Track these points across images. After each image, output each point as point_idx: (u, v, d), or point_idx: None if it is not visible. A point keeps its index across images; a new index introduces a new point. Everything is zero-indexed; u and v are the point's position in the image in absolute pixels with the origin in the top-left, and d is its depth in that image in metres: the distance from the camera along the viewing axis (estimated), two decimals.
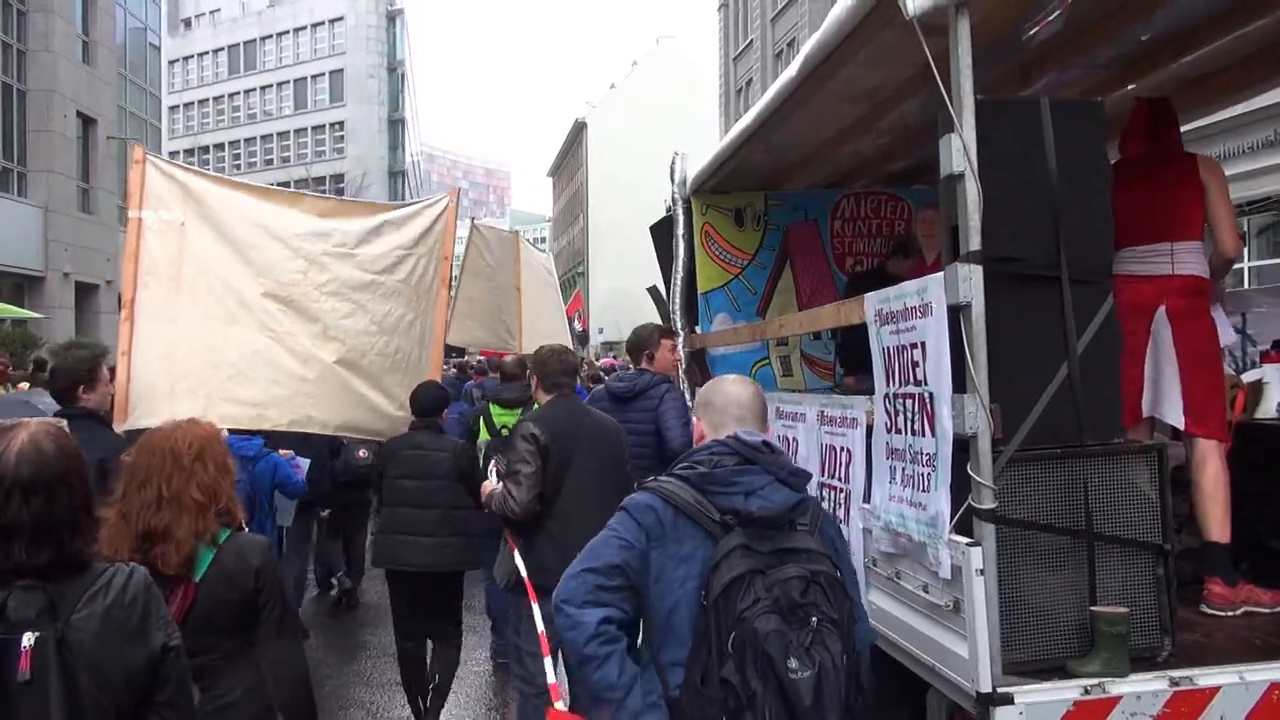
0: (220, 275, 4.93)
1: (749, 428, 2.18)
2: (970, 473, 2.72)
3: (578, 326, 22.15)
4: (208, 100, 58.72)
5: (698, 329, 6.56)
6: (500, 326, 11.21)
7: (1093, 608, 2.77)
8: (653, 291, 7.64)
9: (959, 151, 2.75)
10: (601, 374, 16.96)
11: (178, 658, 1.93)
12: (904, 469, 3.12)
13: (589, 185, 57.40)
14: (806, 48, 3.86)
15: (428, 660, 5.27)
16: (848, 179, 6.56)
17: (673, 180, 6.68)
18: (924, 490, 2.95)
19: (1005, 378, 2.79)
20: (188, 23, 61.10)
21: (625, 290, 48.56)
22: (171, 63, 58.68)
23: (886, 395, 3.25)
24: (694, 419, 2.33)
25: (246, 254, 4.98)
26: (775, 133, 4.97)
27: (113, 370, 4.72)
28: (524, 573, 4.04)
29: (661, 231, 7.37)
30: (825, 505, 3.73)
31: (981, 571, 2.64)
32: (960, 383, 2.77)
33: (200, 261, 4.90)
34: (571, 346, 12.68)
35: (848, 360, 5.88)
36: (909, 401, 3.07)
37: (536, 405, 5.89)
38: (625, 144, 53.42)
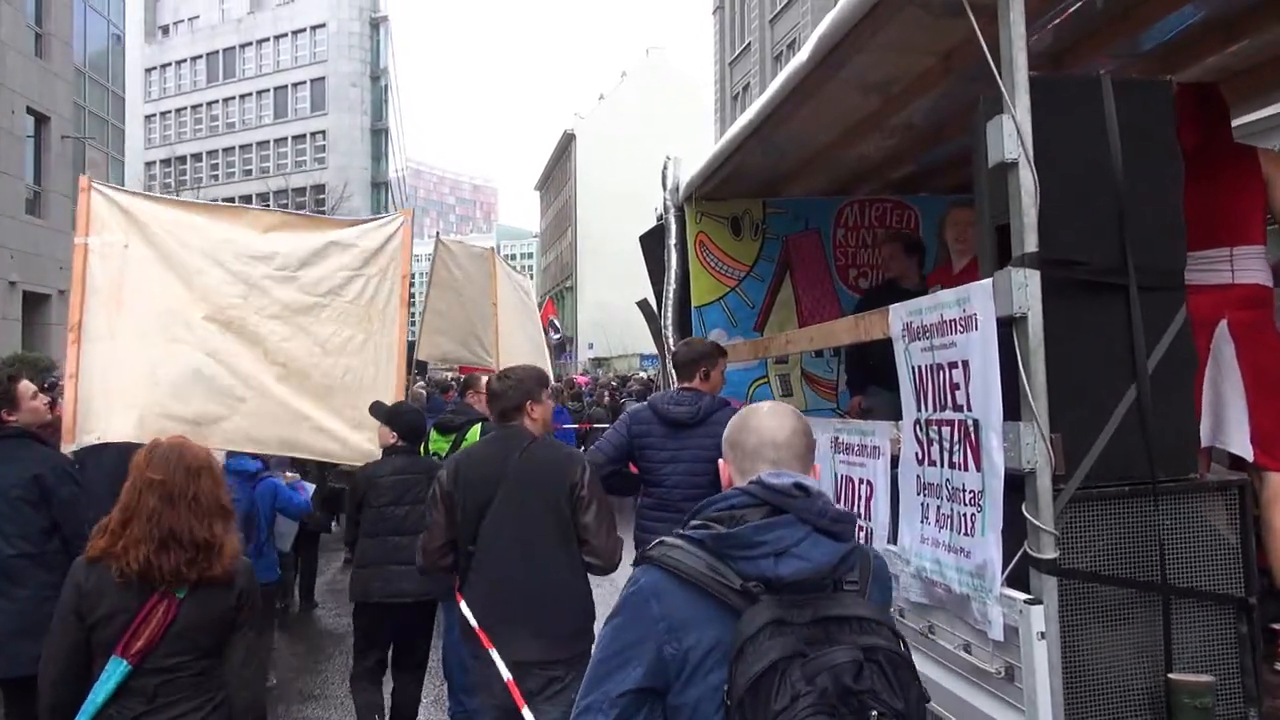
0: (161, 295, 4.89)
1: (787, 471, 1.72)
2: (1026, 515, 2.30)
3: (553, 334, 21.86)
4: (185, 109, 57.25)
5: None
6: (474, 341, 10.90)
7: (1170, 675, 2.34)
8: (643, 306, 7.20)
9: (1011, 136, 2.34)
10: (585, 393, 16.56)
11: None
12: (939, 507, 2.70)
13: (577, 198, 56.56)
14: (820, 28, 3.46)
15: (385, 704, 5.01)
16: (851, 185, 6.17)
17: (664, 187, 6.28)
18: (966, 533, 2.52)
19: (1062, 402, 2.38)
20: (165, 30, 59.59)
21: (615, 305, 48.01)
22: (148, 70, 57.66)
23: (917, 422, 2.82)
24: (720, 461, 1.86)
25: (189, 279, 4.94)
26: (779, 130, 4.58)
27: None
28: (472, 621, 3.54)
29: (652, 242, 6.95)
30: None
31: (1043, 635, 2.22)
32: (1013, 409, 2.35)
33: (141, 281, 4.87)
34: (550, 364, 12.32)
35: (854, 378, 5.45)
36: (946, 429, 2.64)
37: (478, 429, 5.44)
38: (614, 156, 52.54)
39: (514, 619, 3.45)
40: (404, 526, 4.70)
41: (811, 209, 6.19)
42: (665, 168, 6.33)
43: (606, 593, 3.31)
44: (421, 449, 5.72)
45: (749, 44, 32.05)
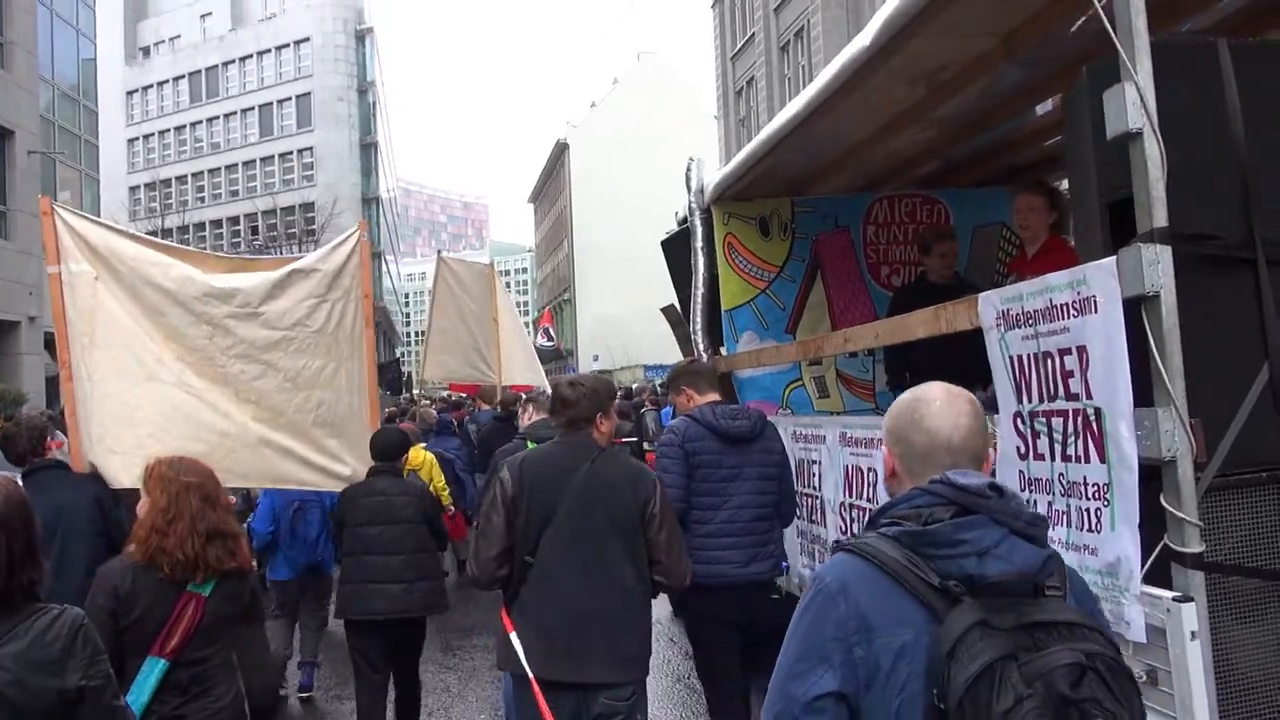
0: (135, 333, 4.76)
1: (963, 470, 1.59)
2: (1167, 506, 2.16)
3: (544, 342, 21.80)
4: (168, 131, 55.85)
5: (723, 350, 5.98)
6: (476, 358, 10.85)
7: None
8: (669, 311, 7.05)
9: (1134, 104, 2.20)
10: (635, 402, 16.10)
11: (99, 696, 2.05)
12: (1051, 503, 2.55)
13: (573, 208, 55.21)
14: (884, 11, 3.34)
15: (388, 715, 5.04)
16: (880, 181, 6.05)
17: (689, 189, 6.14)
18: (1091, 530, 2.37)
19: (1193, 386, 2.23)
20: (146, 51, 58.35)
21: (616, 316, 47.58)
22: (129, 93, 56.63)
23: (1018, 414, 2.68)
24: (884, 449, 1.72)
25: (154, 318, 4.82)
26: (821, 122, 4.45)
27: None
28: (525, 664, 3.21)
29: (675, 246, 6.80)
30: None
31: (1195, 634, 2.06)
32: (1145, 394, 2.21)
33: (113, 319, 4.73)
34: (545, 377, 12.20)
35: (896, 379, 5.28)
36: (1059, 420, 2.50)
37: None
38: (610, 163, 51.52)
39: (583, 637, 3.23)
40: (377, 546, 4.76)
41: (841, 207, 6.06)
42: (689, 170, 6.19)
43: None
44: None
45: (752, 35, 30.49)
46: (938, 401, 1.64)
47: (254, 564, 3.09)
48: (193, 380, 4.85)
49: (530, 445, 5.14)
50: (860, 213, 6.08)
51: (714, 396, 4.37)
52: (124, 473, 4.36)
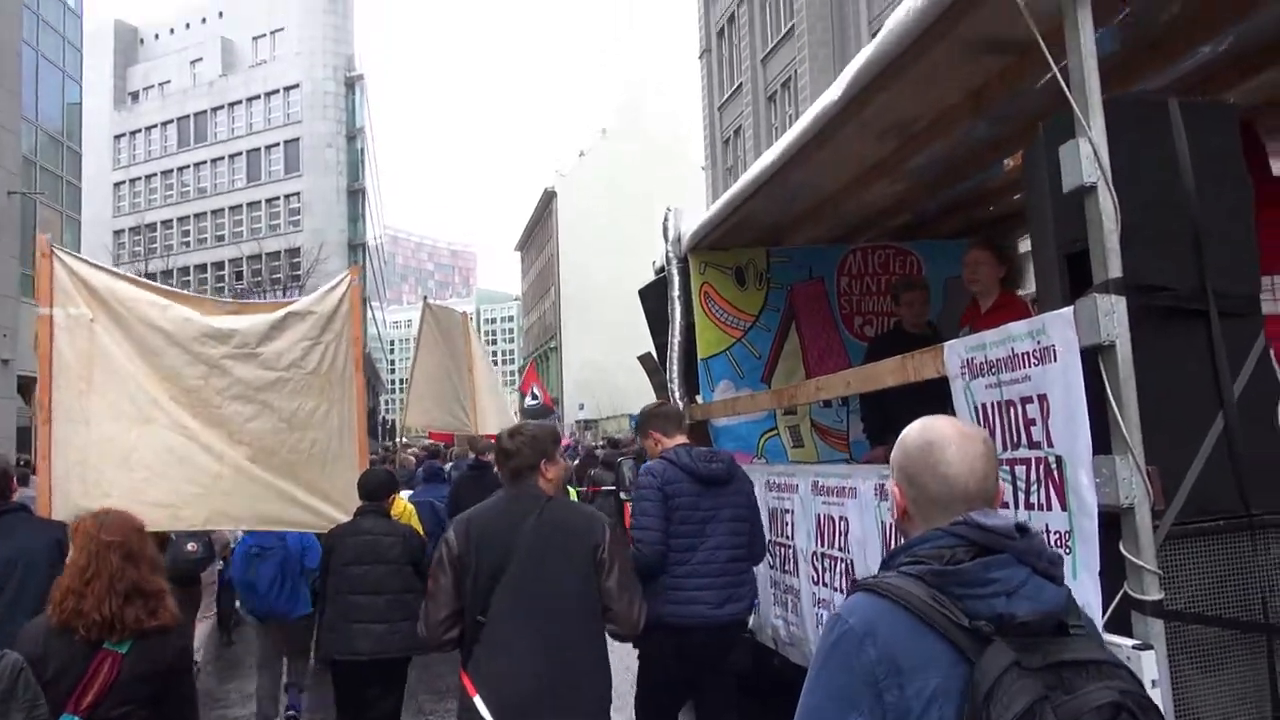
0: (131, 375, 4.81)
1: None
2: (1126, 554, 2.17)
3: (530, 401, 21.67)
4: (155, 175, 55.99)
5: (699, 399, 6.00)
6: (456, 406, 10.88)
7: None
8: (645, 360, 7.07)
9: (1089, 159, 2.26)
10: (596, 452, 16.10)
11: None
12: None
13: (560, 256, 55.27)
14: (854, 65, 3.42)
15: None
16: (854, 233, 6.14)
17: (666, 238, 6.20)
18: None
19: (1149, 434, 2.26)
20: (135, 95, 58.76)
21: (602, 365, 47.52)
22: (117, 137, 56.85)
23: None
24: (892, 486, 1.67)
25: (150, 359, 4.89)
26: (794, 174, 4.52)
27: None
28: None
29: (652, 295, 6.85)
30: None
31: (1155, 683, 2.06)
32: (1104, 442, 2.23)
33: (111, 362, 4.79)
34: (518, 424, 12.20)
35: (872, 427, 5.31)
36: (1021, 469, 2.52)
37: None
38: (597, 213, 51.94)
39: (539, 693, 3.10)
40: (362, 586, 4.75)
41: (815, 257, 6.14)
42: (666, 219, 6.26)
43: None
44: None
45: (740, 85, 31.11)
46: (953, 446, 1.58)
47: (179, 620, 3.02)
48: (187, 422, 4.91)
49: None
50: (835, 264, 6.15)
51: (681, 439, 4.38)
52: None
